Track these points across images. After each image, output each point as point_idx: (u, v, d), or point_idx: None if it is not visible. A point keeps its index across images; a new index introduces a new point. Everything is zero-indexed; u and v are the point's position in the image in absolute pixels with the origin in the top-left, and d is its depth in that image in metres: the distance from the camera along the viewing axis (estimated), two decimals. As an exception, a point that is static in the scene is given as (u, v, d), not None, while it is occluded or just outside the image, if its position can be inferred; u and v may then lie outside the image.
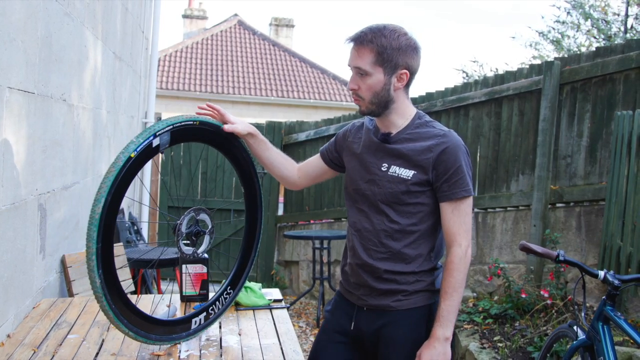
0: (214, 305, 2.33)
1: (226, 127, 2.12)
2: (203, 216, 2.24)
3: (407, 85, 1.94)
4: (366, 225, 1.97)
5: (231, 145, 2.22)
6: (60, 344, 2.22)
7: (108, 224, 1.83)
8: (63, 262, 3.16)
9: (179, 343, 2.23)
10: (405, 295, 1.94)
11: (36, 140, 2.56)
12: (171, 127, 1.97)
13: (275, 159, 2.20)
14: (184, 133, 2.04)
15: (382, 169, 1.93)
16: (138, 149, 1.86)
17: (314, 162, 2.22)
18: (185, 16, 21.49)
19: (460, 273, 1.90)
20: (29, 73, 2.43)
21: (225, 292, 2.40)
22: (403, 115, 1.95)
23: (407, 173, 1.89)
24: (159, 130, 1.93)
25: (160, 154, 2.03)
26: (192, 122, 2.05)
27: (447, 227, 1.91)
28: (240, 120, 2.18)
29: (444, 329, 1.87)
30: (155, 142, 1.92)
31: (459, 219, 1.90)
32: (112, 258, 1.89)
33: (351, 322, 2.02)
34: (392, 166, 1.91)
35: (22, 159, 2.40)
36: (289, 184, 2.26)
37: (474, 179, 5.51)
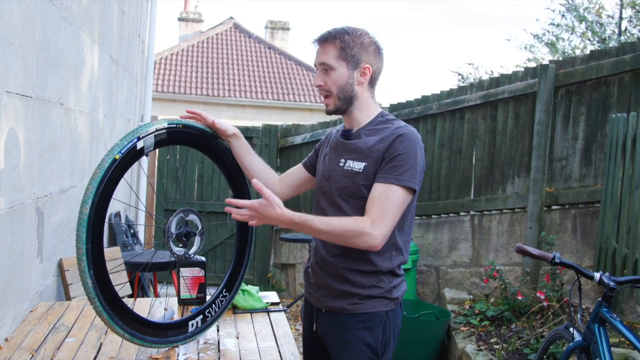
0: (210, 308, 2.34)
1: (217, 123, 2.17)
2: (192, 217, 2.25)
3: (372, 84, 2.00)
4: None
5: (216, 148, 2.24)
6: (58, 348, 2.22)
7: (97, 225, 1.86)
8: (60, 265, 3.16)
9: (177, 346, 2.23)
10: (361, 298, 1.94)
11: (34, 144, 2.56)
12: (154, 130, 2.00)
13: (256, 165, 2.23)
14: (169, 136, 2.07)
15: (340, 164, 1.97)
16: (122, 151, 1.91)
17: (296, 171, 2.26)
18: (180, 19, 21.49)
19: (346, 230, 1.80)
20: (27, 77, 2.43)
21: (221, 295, 2.40)
22: (366, 112, 2.00)
23: (359, 166, 1.92)
24: (142, 133, 1.97)
25: (145, 157, 2.06)
26: (175, 126, 2.08)
27: (367, 206, 1.85)
28: (224, 121, 2.23)
29: (291, 216, 1.81)
30: (140, 144, 1.96)
31: (381, 202, 1.82)
32: (103, 259, 1.91)
33: (313, 325, 2.08)
34: (348, 160, 1.96)
35: (20, 163, 2.40)
36: None
37: (469, 182, 5.52)
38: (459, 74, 12.69)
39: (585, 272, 2.63)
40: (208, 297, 2.54)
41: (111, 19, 4.23)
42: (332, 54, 1.94)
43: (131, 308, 2.06)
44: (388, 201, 1.83)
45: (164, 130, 2.04)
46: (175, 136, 2.10)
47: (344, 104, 1.97)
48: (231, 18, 20.76)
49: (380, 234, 1.81)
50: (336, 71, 1.94)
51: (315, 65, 2.01)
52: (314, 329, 2.08)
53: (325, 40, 1.96)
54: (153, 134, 2.00)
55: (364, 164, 1.91)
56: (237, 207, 1.86)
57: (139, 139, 1.96)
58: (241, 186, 2.36)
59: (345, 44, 1.93)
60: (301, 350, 2.46)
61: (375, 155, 1.90)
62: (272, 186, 2.22)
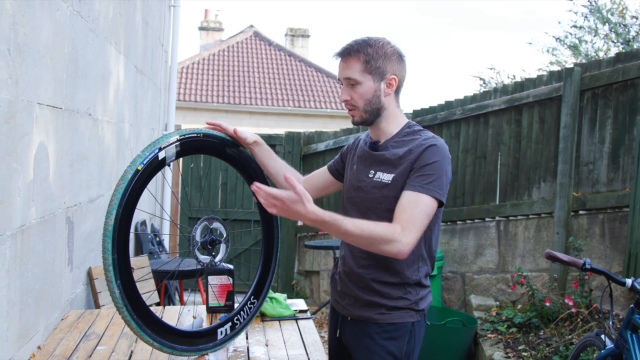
0: (239, 316, 2.35)
1: (238, 131, 2.19)
2: (216, 225, 2.27)
3: (397, 93, 1.99)
4: None
5: (238, 156, 2.26)
6: (90, 356, 2.24)
7: (122, 236, 1.87)
8: (89, 274, 3.19)
9: (207, 354, 2.24)
10: (388, 309, 1.94)
11: (64, 154, 2.60)
12: (175, 140, 2.02)
13: (280, 169, 2.23)
14: (190, 146, 2.08)
15: (369, 175, 1.97)
16: (144, 162, 1.92)
17: (321, 174, 2.26)
18: (201, 28, 21.68)
19: (376, 234, 1.75)
20: (57, 89, 2.47)
21: (249, 302, 2.41)
22: (394, 122, 1.99)
23: (388, 177, 1.91)
24: (163, 144, 1.99)
25: (168, 167, 2.08)
26: (196, 135, 2.10)
27: (395, 213, 1.83)
28: (245, 130, 2.25)
29: (321, 214, 1.73)
30: (161, 155, 1.98)
31: (410, 210, 1.80)
32: (130, 268, 1.92)
33: (337, 331, 2.08)
34: (377, 172, 1.95)
35: (51, 173, 2.44)
36: None
37: (494, 187, 5.48)
38: (481, 79, 12.59)
39: (616, 278, 2.59)
40: (236, 305, 2.54)
41: (136, 30, 4.29)
42: (357, 68, 1.91)
43: (159, 317, 2.07)
44: (416, 209, 1.81)
45: (185, 140, 2.06)
46: (197, 146, 2.12)
47: (371, 116, 1.96)
48: (251, 26, 20.89)
49: (409, 242, 1.78)
50: (362, 85, 1.92)
51: (339, 80, 1.99)
52: (338, 336, 2.09)
53: (348, 54, 1.93)
54: (174, 144, 2.02)
55: (392, 175, 1.91)
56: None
57: (160, 149, 1.97)
58: None
59: (369, 57, 1.91)
60: (329, 357, 2.46)
61: (404, 166, 1.89)
62: None
